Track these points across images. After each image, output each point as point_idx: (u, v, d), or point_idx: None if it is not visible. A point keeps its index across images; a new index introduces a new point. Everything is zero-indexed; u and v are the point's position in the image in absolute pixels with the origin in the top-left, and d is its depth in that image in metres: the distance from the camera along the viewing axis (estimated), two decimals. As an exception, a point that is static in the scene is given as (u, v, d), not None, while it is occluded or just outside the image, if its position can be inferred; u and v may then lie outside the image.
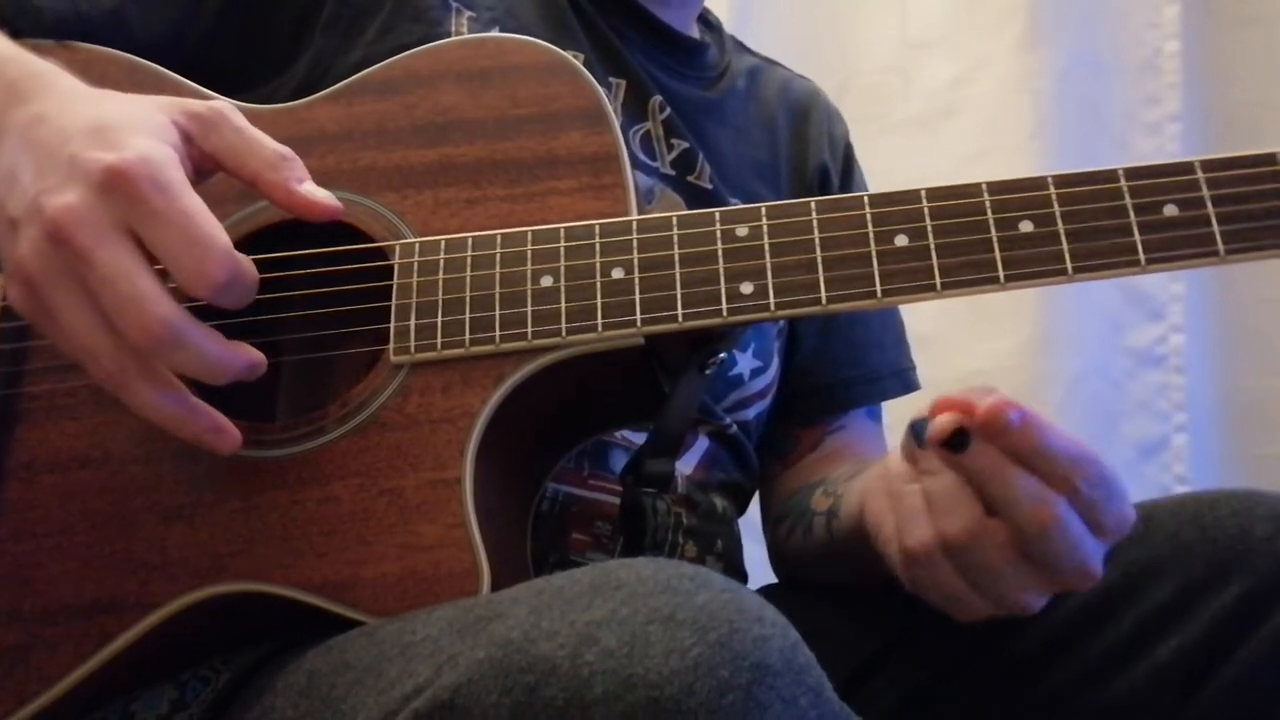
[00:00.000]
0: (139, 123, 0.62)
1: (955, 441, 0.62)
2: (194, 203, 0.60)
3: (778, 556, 1.01)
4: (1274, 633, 0.71)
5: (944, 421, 0.62)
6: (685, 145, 0.95)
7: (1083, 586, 0.65)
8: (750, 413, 0.97)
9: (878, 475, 0.73)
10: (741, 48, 1.12)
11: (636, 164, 0.90)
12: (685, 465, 0.92)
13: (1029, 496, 0.62)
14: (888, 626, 0.86)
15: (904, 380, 1.06)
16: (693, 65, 1.01)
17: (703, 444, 0.94)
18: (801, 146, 1.06)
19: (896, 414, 1.11)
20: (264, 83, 0.87)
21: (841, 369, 1.03)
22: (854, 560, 0.83)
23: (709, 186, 0.95)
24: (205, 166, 0.66)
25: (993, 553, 0.63)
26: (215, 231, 0.60)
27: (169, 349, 0.60)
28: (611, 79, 0.93)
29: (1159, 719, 0.74)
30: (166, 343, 0.59)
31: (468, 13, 0.89)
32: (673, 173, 0.94)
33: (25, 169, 0.61)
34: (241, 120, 0.66)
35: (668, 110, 0.95)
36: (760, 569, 1.04)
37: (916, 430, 0.66)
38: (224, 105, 0.66)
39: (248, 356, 0.63)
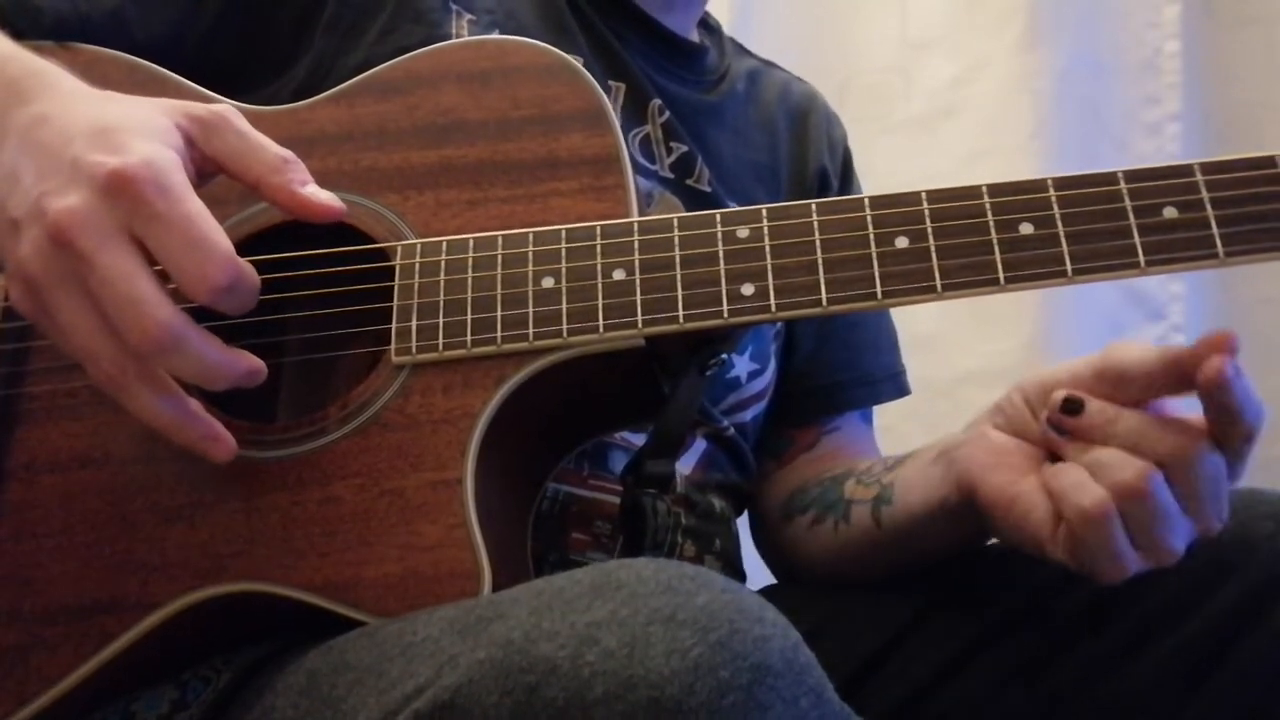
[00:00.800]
0: (142, 125, 0.62)
1: (1070, 407, 0.68)
2: (196, 206, 0.60)
3: (787, 552, 1.01)
4: (1275, 629, 0.72)
5: (1054, 397, 0.68)
6: (684, 149, 0.95)
7: (1216, 529, 0.68)
8: (748, 415, 0.97)
9: (984, 452, 0.74)
10: (741, 50, 1.12)
11: (635, 167, 0.90)
12: (684, 466, 0.92)
13: (1151, 426, 0.66)
14: (889, 626, 0.86)
15: (897, 384, 1.07)
16: (692, 69, 1.01)
17: (700, 445, 0.94)
18: (801, 150, 1.06)
19: (891, 414, 1.11)
20: (264, 84, 0.87)
21: (838, 371, 1.04)
22: (911, 542, 0.84)
23: (708, 190, 0.95)
24: (207, 169, 0.66)
25: (1163, 497, 0.65)
26: (217, 236, 0.60)
27: (168, 353, 0.60)
28: (611, 82, 0.93)
29: (1161, 716, 0.75)
30: (165, 346, 0.59)
31: (468, 15, 0.90)
32: (672, 176, 0.94)
33: (27, 170, 0.61)
34: (243, 123, 0.66)
35: (667, 113, 0.95)
36: (760, 569, 1.04)
37: (1069, 404, 0.69)
38: (226, 108, 0.66)
39: (247, 363, 0.63)
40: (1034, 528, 0.69)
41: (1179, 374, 0.66)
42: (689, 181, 0.95)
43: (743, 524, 1.03)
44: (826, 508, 0.94)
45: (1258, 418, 0.65)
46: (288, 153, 0.66)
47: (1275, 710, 0.73)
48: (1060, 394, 0.69)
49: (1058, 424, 0.69)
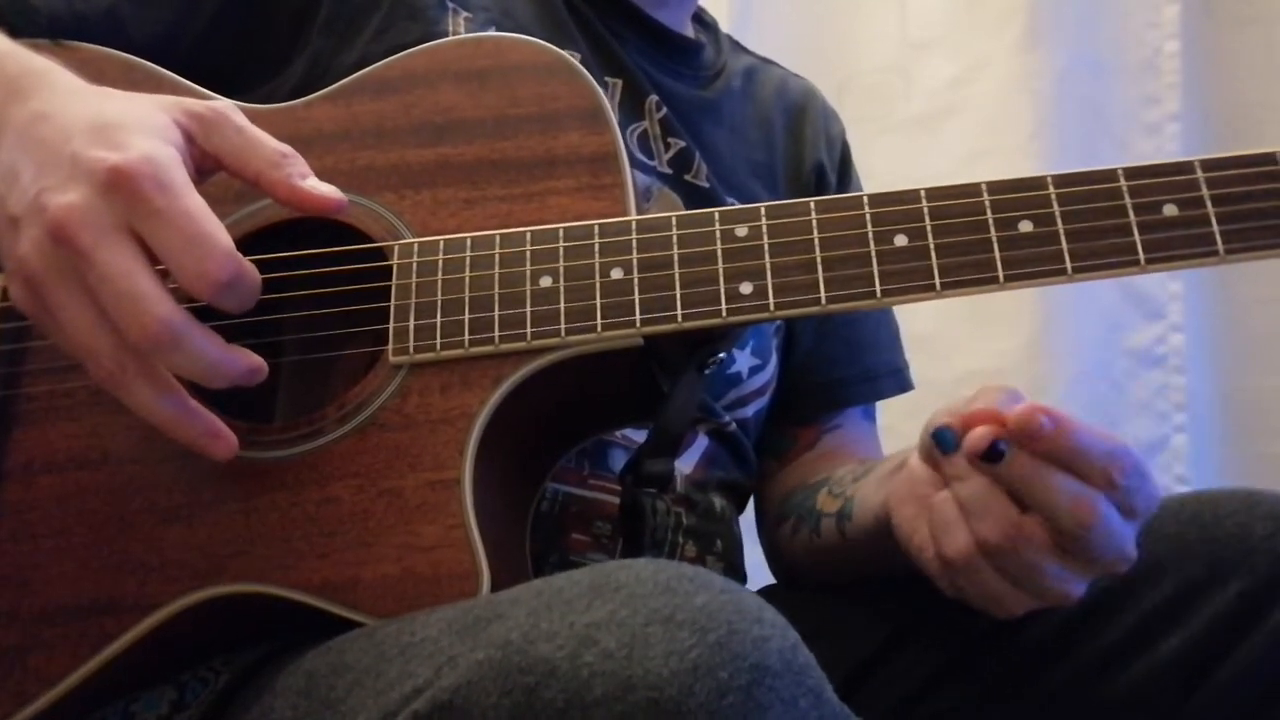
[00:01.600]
0: (141, 122, 0.62)
1: (991, 453, 0.63)
2: (196, 203, 0.60)
3: (778, 556, 1.01)
4: (1274, 631, 0.72)
5: (980, 434, 0.63)
6: (682, 144, 0.95)
7: (1121, 569, 0.66)
8: (749, 410, 0.97)
9: (903, 480, 0.73)
10: (738, 47, 1.12)
11: (634, 163, 0.90)
12: (684, 464, 0.92)
13: (1069, 498, 0.63)
14: (887, 626, 0.86)
15: (899, 380, 1.07)
16: (688, 64, 1.01)
17: (702, 443, 0.94)
18: (798, 146, 1.06)
19: (892, 413, 1.11)
20: (261, 83, 0.87)
21: (839, 368, 1.04)
22: (871, 558, 0.84)
23: (706, 185, 0.95)
24: (206, 166, 0.65)
25: (1032, 552, 0.64)
26: (217, 232, 0.60)
27: (167, 349, 0.60)
28: (608, 78, 0.93)
29: (1159, 717, 0.75)
30: (165, 343, 0.59)
31: (464, 13, 0.89)
32: (670, 171, 0.94)
33: (26, 167, 0.61)
34: (242, 120, 0.66)
35: (664, 109, 0.95)
36: (760, 569, 1.04)
37: (940, 438, 0.66)
38: (225, 105, 0.66)
39: (247, 361, 0.63)
40: (926, 564, 0.70)
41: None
42: (687, 177, 0.95)
43: (744, 524, 1.03)
44: (802, 517, 0.95)
45: (1114, 456, 0.63)
46: (286, 148, 0.66)
47: (1275, 711, 0.72)
48: (932, 425, 0.67)
49: (930, 458, 0.68)
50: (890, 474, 0.78)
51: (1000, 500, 0.65)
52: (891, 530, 0.74)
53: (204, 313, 0.61)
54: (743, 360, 0.95)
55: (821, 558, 0.92)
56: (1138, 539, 0.66)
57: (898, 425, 1.14)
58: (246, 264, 0.61)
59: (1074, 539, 0.63)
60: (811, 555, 0.94)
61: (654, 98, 0.95)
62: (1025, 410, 0.62)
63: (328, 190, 0.66)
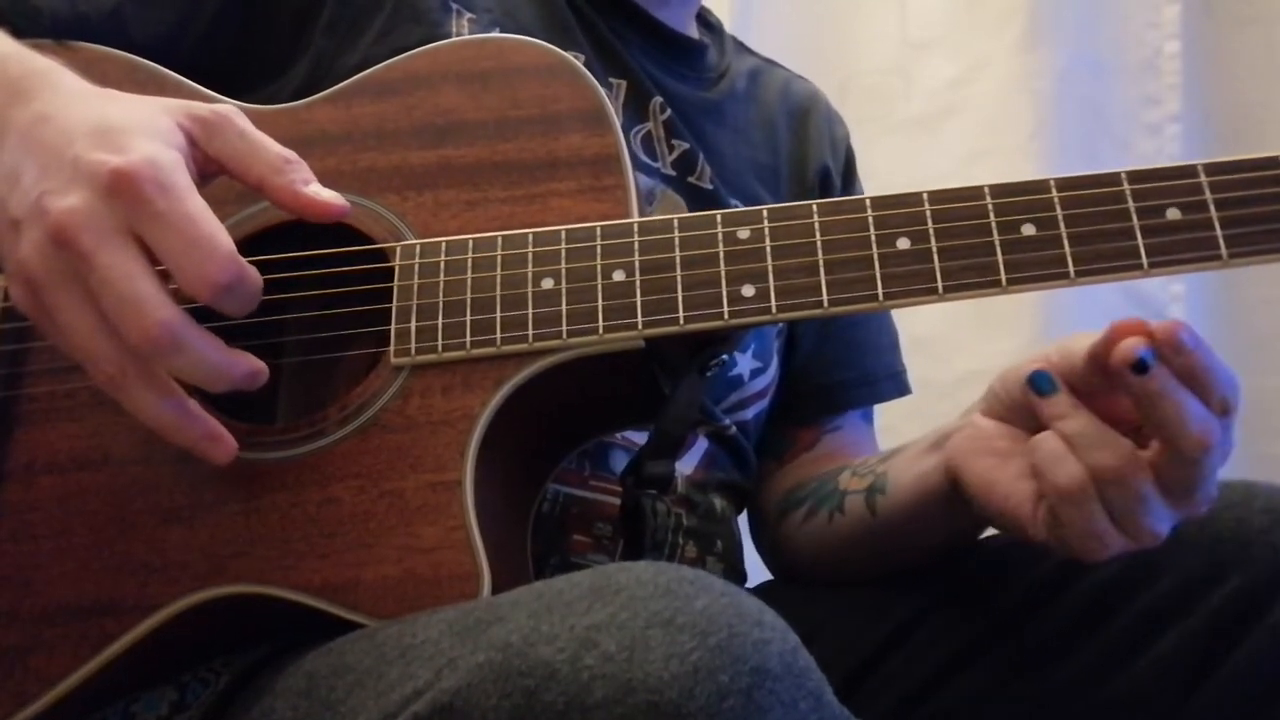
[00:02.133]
0: (143, 125, 0.62)
1: (1140, 364, 0.63)
2: (198, 206, 0.60)
3: (780, 549, 1.01)
4: (1273, 625, 0.72)
5: (1132, 344, 0.64)
6: (686, 146, 0.95)
7: (1202, 511, 0.67)
8: (749, 413, 0.97)
9: (967, 438, 0.74)
10: (742, 48, 1.12)
11: (638, 164, 0.90)
12: (685, 466, 0.92)
13: (1198, 418, 0.64)
14: (887, 625, 0.86)
15: (898, 383, 1.07)
16: (692, 66, 1.01)
17: (702, 444, 0.94)
18: (802, 148, 1.06)
19: (893, 414, 1.11)
20: (264, 85, 0.87)
21: (839, 371, 1.04)
22: (904, 532, 0.84)
23: (709, 187, 0.95)
24: (209, 170, 0.65)
25: (1144, 482, 0.65)
26: (219, 235, 0.60)
27: (168, 352, 0.60)
28: (612, 80, 0.93)
29: (1160, 713, 0.75)
30: (166, 346, 0.59)
31: (468, 14, 0.89)
32: (673, 173, 0.94)
33: (28, 169, 0.61)
34: (246, 123, 0.66)
35: (668, 111, 0.95)
36: (760, 569, 1.04)
37: (1038, 380, 0.68)
38: (229, 108, 0.66)
39: (248, 365, 0.63)
40: (1014, 510, 0.70)
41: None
42: (691, 179, 0.95)
43: (743, 523, 1.03)
44: (821, 500, 0.94)
45: (1231, 385, 0.65)
46: (290, 153, 0.66)
47: (1276, 705, 0.73)
48: (1028, 370, 0.69)
49: (1029, 405, 0.69)
50: (932, 446, 0.80)
51: (1109, 432, 0.66)
52: (947, 493, 0.75)
53: (205, 314, 0.61)
54: (744, 363, 0.95)
55: (842, 539, 0.92)
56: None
57: (898, 426, 1.14)
58: (248, 267, 0.61)
59: (1189, 464, 0.64)
60: (828, 539, 0.93)
61: (658, 99, 0.95)
62: (1172, 325, 0.63)
63: (330, 196, 0.66)
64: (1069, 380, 0.68)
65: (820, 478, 0.97)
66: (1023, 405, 0.70)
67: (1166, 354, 0.63)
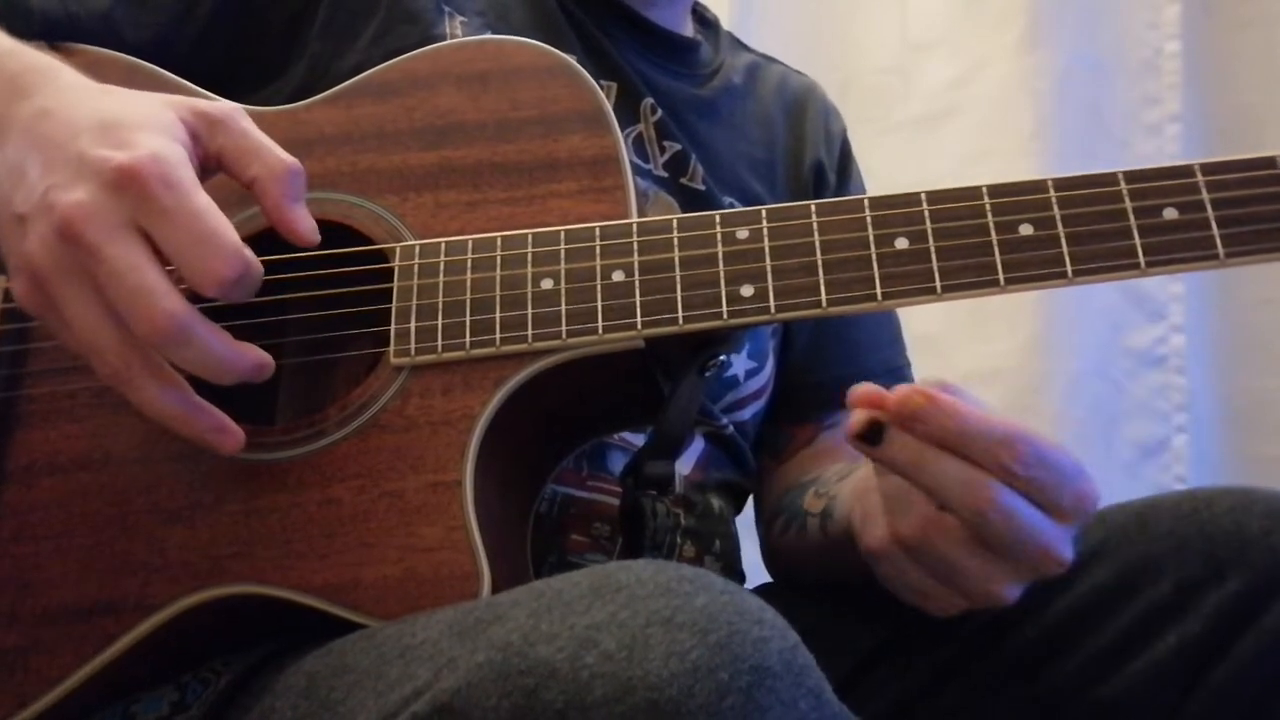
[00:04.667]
0: (148, 120, 0.62)
1: (871, 435, 0.62)
2: (203, 201, 0.60)
3: (772, 554, 1.02)
4: (1271, 628, 0.72)
5: (857, 417, 0.63)
6: (678, 147, 0.95)
7: (1054, 572, 0.64)
8: (746, 413, 0.97)
9: (861, 478, 0.74)
10: (738, 45, 1.12)
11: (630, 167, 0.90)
12: (682, 466, 0.92)
13: (956, 481, 0.62)
14: (885, 624, 0.86)
15: (898, 379, 1.06)
16: (685, 63, 1.01)
17: (699, 445, 0.94)
18: (798, 143, 1.06)
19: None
20: (259, 87, 0.87)
21: (836, 367, 1.03)
22: (851, 558, 0.83)
23: (701, 188, 0.95)
24: (210, 165, 0.66)
25: (949, 546, 0.64)
26: (225, 229, 0.60)
27: (175, 344, 0.60)
28: (603, 81, 0.93)
29: (1158, 715, 0.75)
30: (173, 338, 0.59)
31: (460, 17, 0.89)
32: (665, 175, 0.94)
33: (32, 165, 0.61)
34: (249, 123, 0.66)
35: (659, 113, 0.95)
36: (758, 568, 1.04)
37: (869, 435, 0.65)
38: (233, 106, 0.66)
39: (254, 357, 0.63)
40: (867, 560, 0.70)
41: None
42: (683, 180, 0.95)
43: (742, 523, 1.03)
44: (791, 516, 0.95)
45: (1009, 442, 0.61)
46: (295, 163, 0.66)
47: (1273, 708, 0.73)
48: (861, 417, 0.65)
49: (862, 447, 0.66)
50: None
51: (918, 494, 0.64)
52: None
53: (209, 315, 0.62)
54: (740, 364, 0.95)
55: (808, 557, 0.93)
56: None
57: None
58: (254, 260, 0.61)
59: (979, 528, 0.62)
60: (799, 554, 0.94)
61: (649, 100, 0.95)
62: (903, 390, 0.62)
63: (308, 228, 0.67)
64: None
65: (798, 488, 0.97)
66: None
67: (904, 423, 0.62)
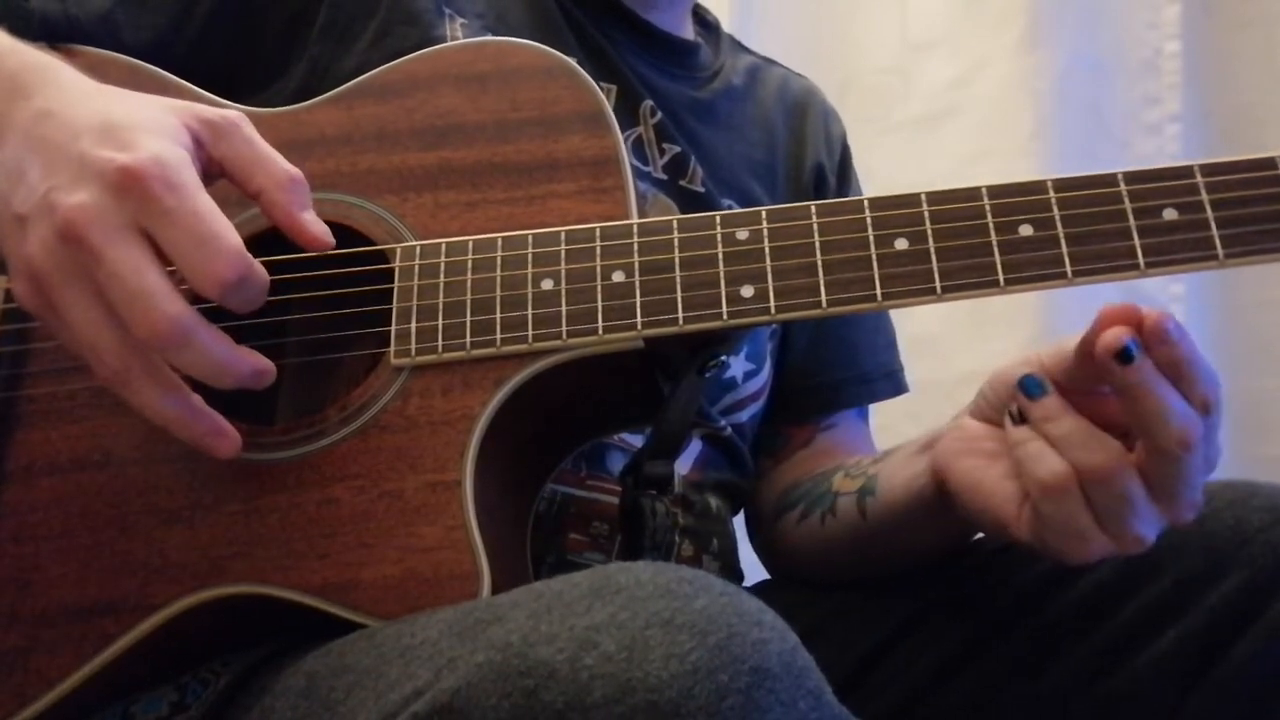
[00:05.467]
0: (150, 123, 0.62)
1: (1125, 353, 0.63)
2: (206, 203, 0.60)
3: (776, 549, 1.01)
4: (1272, 623, 0.72)
5: (1117, 333, 0.64)
6: (677, 150, 0.95)
7: (1189, 519, 0.66)
8: (744, 415, 0.98)
9: (954, 440, 0.73)
10: (739, 47, 1.12)
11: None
12: (680, 466, 0.92)
13: (1180, 414, 0.63)
14: (886, 624, 0.86)
15: (894, 382, 1.07)
16: (684, 65, 1.01)
17: (696, 446, 0.94)
18: (799, 146, 1.06)
19: (891, 414, 1.11)
20: (259, 89, 0.87)
21: (834, 369, 1.04)
22: (894, 533, 0.84)
23: (701, 190, 0.95)
24: (212, 172, 0.66)
25: (1130, 482, 0.65)
26: (227, 231, 0.60)
27: (175, 347, 0.60)
28: (602, 84, 0.93)
29: (1160, 710, 0.75)
30: (173, 340, 0.59)
31: (460, 19, 0.89)
32: (665, 177, 0.94)
33: (33, 166, 0.61)
34: (253, 131, 0.66)
35: (659, 115, 0.95)
36: (757, 568, 1.04)
37: (1028, 383, 0.67)
38: (236, 114, 0.66)
39: (255, 362, 0.63)
40: (997, 509, 0.70)
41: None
42: (682, 182, 0.95)
43: (740, 523, 1.03)
44: (814, 502, 0.94)
45: (1213, 382, 0.65)
46: (296, 172, 0.66)
47: (1274, 705, 0.73)
48: (1012, 375, 0.68)
49: (1018, 408, 0.69)
50: (923, 448, 0.79)
51: (1097, 432, 0.65)
52: (934, 496, 0.75)
53: (209, 316, 0.62)
54: (738, 366, 0.95)
55: (833, 542, 0.92)
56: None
57: (896, 426, 1.15)
58: (255, 264, 0.61)
59: (1171, 461, 0.64)
60: (821, 541, 0.93)
61: (649, 103, 0.95)
62: (1158, 314, 0.63)
63: (321, 231, 0.67)
64: (1059, 382, 0.67)
65: (815, 478, 0.97)
66: (1013, 407, 0.69)
67: (1151, 344, 0.63)
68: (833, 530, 0.91)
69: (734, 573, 0.97)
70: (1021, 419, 0.68)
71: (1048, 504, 0.66)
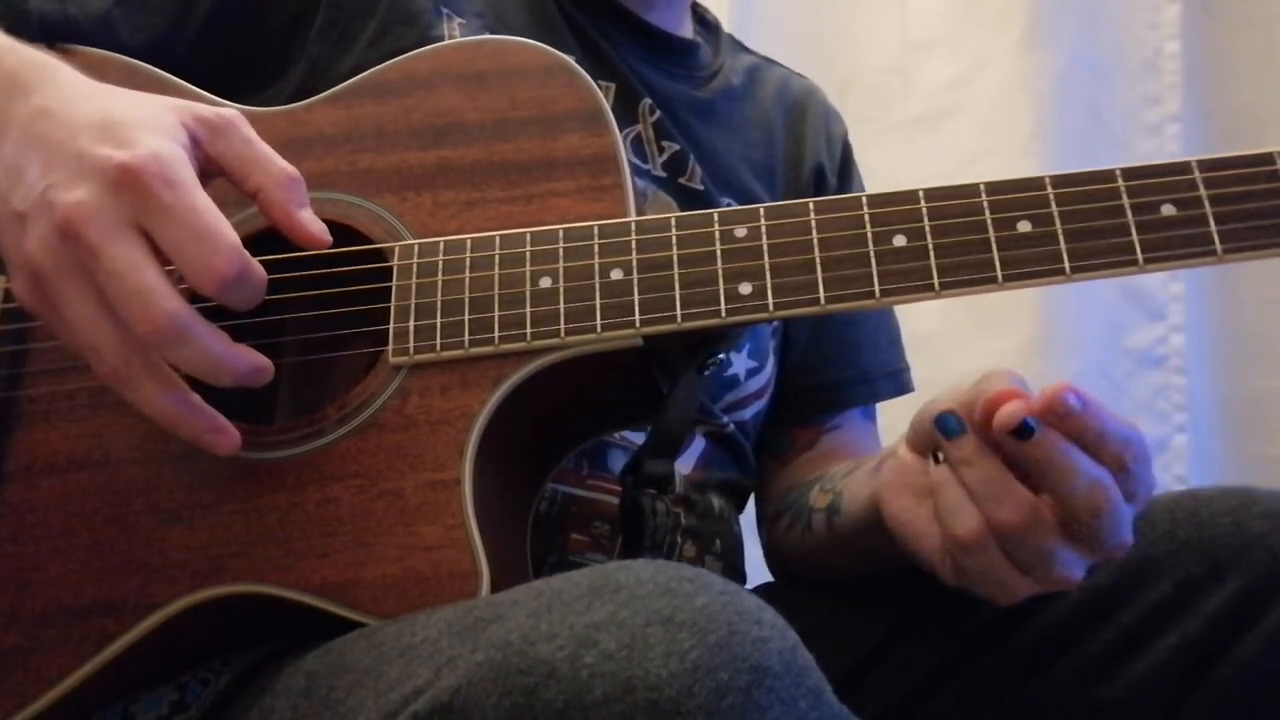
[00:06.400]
0: (148, 121, 0.62)
1: (1022, 430, 0.63)
2: (204, 201, 0.60)
3: (774, 552, 1.02)
4: (1271, 629, 0.72)
5: (1012, 410, 0.63)
6: (676, 148, 0.95)
7: (1118, 555, 0.66)
8: (747, 413, 0.97)
9: (891, 471, 0.73)
10: (739, 47, 1.12)
11: (629, 167, 0.91)
12: (683, 465, 0.92)
13: (1087, 480, 0.63)
14: (885, 625, 0.86)
15: (897, 382, 1.07)
16: (683, 64, 1.01)
17: (699, 444, 0.94)
18: (798, 146, 1.06)
19: (894, 414, 1.11)
20: (258, 89, 0.87)
21: (835, 369, 1.04)
22: (858, 553, 0.84)
23: (700, 188, 0.95)
24: (210, 171, 0.66)
25: (1045, 535, 0.64)
26: (225, 229, 0.60)
27: (174, 344, 0.60)
28: (601, 82, 0.93)
29: (1158, 715, 0.75)
30: (172, 337, 0.59)
31: (458, 19, 0.90)
32: (664, 175, 0.94)
33: (31, 163, 0.61)
34: (251, 131, 0.66)
35: (658, 113, 0.95)
36: (759, 568, 1.04)
37: (944, 423, 0.66)
38: (234, 114, 0.66)
39: (253, 360, 0.63)
40: (925, 554, 0.70)
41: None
42: (681, 180, 0.95)
43: (745, 523, 1.03)
44: (796, 514, 0.95)
45: (1125, 442, 0.64)
46: (293, 171, 0.66)
47: (1272, 708, 0.73)
48: (936, 409, 0.67)
49: (934, 444, 0.68)
50: (877, 468, 0.78)
51: (1012, 483, 0.65)
52: (882, 522, 0.73)
53: (208, 316, 0.62)
54: (740, 363, 0.95)
55: (812, 554, 0.93)
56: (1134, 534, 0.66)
57: (899, 426, 1.14)
58: (253, 261, 0.61)
59: (1085, 523, 0.64)
60: (803, 552, 0.94)
61: (647, 101, 0.95)
62: (1057, 389, 0.62)
63: (319, 229, 0.67)
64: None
65: (800, 489, 0.97)
66: (934, 443, 0.69)
67: (1050, 420, 0.62)
68: (810, 543, 0.92)
69: (737, 573, 0.97)
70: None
71: (964, 557, 0.66)
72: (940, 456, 0.68)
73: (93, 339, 0.61)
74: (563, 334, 0.69)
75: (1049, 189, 0.68)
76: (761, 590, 0.97)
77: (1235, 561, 0.74)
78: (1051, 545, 0.65)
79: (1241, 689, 0.73)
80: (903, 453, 0.72)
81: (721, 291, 0.69)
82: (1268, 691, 0.73)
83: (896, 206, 0.69)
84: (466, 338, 0.70)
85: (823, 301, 0.68)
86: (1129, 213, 0.67)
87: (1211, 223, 0.66)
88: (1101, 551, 0.65)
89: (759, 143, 1.03)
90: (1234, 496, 0.76)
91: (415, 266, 0.72)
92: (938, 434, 0.66)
